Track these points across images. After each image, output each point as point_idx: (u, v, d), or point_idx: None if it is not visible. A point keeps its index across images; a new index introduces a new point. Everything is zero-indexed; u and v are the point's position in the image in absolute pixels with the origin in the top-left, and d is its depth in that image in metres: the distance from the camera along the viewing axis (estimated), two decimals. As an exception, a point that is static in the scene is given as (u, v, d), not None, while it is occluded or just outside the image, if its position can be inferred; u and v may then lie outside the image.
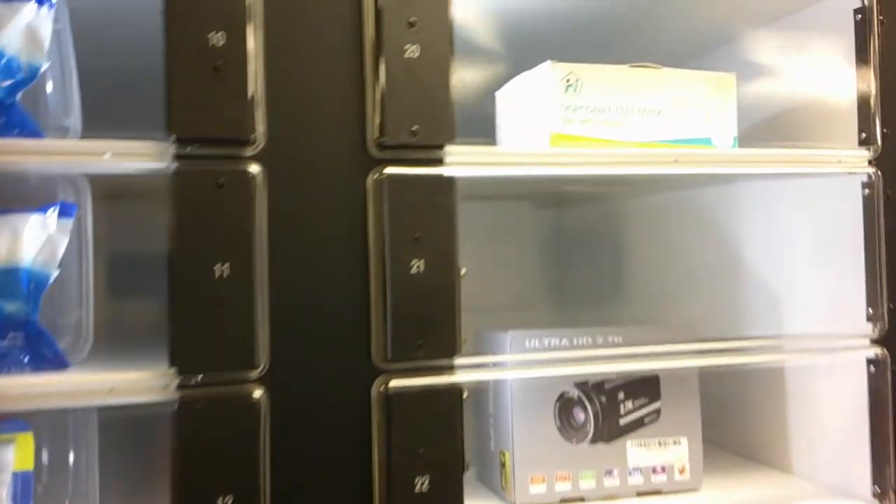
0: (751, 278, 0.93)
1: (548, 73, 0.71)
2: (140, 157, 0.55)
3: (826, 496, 0.80)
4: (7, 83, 0.57)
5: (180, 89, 0.54)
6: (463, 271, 0.64)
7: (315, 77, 0.60)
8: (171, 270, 0.54)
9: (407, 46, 0.59)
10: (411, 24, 0.59)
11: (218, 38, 0.55)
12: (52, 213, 0.61)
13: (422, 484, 0.59)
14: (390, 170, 0.60)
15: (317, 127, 0.60)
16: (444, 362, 0.62)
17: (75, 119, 0.62)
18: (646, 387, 0.83)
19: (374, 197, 0.60)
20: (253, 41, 0.57)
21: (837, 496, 0.79)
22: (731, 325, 0.96)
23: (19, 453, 0.63)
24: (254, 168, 0.57)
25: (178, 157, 0.56)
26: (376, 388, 0.60)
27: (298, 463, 0.59)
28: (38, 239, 0.59)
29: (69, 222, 0.61)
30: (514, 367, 0.66)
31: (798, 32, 0.83)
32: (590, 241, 1.31)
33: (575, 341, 0.80)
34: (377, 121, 0.60)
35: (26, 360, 0.59)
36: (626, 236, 1.19)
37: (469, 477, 0.83)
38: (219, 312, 0.55)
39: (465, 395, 0.63)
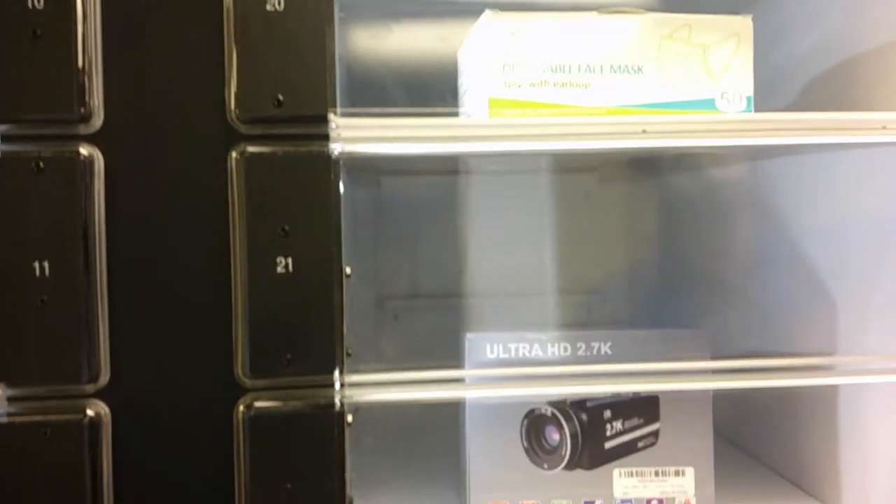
0: (805, 273, 0.75)
1: (488, 25, 0.58)
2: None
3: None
4: None
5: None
6: (348, 271, 0.53)
7: (166, 40, 0.51)
8: (-12, 269, 0.48)
9: (269, -3, 0.49)
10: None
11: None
12: None
13: (289, 521, 0.50)
14: (252, 148, 0.50)
15: (168, 100, 0.51)
16: (319, 379, 0.51)
17: None
18: (640, 405, 0.69)
19: (238, 181, 0.51)
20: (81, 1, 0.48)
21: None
22: (768, 332, 0.78)
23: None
24: (85, 150, 0.49)
25: (5, 138, 0.49)
26: (238, 409, 0.51)
27: (147, 495, 0.51)
28: None
29: None
30: (423, 385, 0.55)
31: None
32: (655, 217, 1.16)
33: (550, 349, 0.67)
34: (234, 90, 0.50)
35: None
36: (690, 212, 1.03)
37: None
38: (43, 317, 0.48)
39: (348, 420, 0.53)
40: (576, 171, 1.27)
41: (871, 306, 0.65)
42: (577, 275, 1.24)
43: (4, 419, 0.49)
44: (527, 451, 0.68)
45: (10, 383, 0.49)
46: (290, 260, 0.50)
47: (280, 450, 0.51)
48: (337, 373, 0.51)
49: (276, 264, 0.50)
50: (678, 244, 1.07)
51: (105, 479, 0.50)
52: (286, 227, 0.50)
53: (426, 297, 1.15)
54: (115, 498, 0.50)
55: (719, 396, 0.71)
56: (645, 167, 1.14)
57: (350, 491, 0.53)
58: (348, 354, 0.53)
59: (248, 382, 0.51)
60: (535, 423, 0.68)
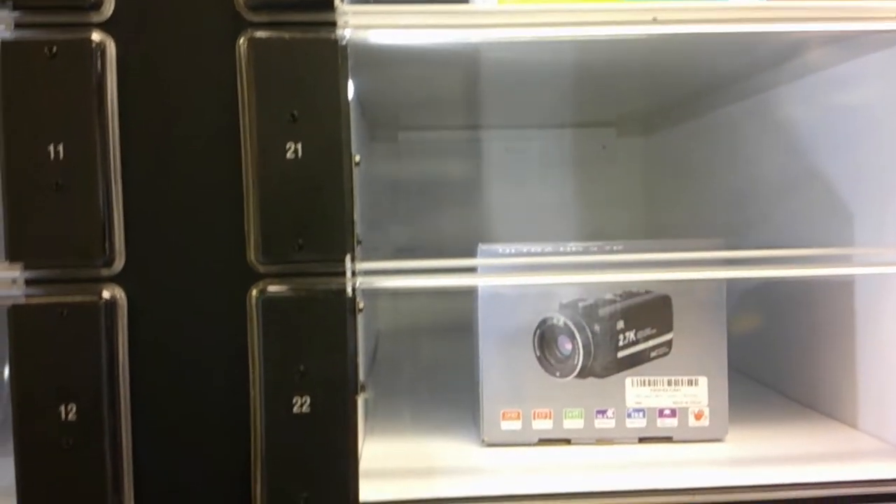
0: (823, 191, 0.74)
1: (497, -84, 0.58)
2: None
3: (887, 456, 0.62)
4: None
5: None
6: (357, 158, 0.53)
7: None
8: (4, 153, 0.49)
9: None
10: None
11: None
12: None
13: (301, 404, 0.51)
14: (260, 34, 0.51)
15: (177, -13, 0.51)
16: (330, 266, 0.52)
17: None
18: (653, 313, 0.69)
19: (246, 68, 0.51)
20: None
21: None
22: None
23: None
24: (96, 36, 0.50)
25: (17, 26, 0.49)
26: (251, 294, 0.52)
27: (161, 375, 0.52)
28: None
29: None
30: (440, 273, 0.55)
31: None
32: (673, 169, 1.15)
33: (562, 249, 0.67)
34: (241, -24, 0.50)
35: None
36: (709, 157, 1.02)
37: (465, 414, 0.74)
38: (58, 200, 0.49)
39: (360, 306, 0.54)
40: (594, 125, 1.27)
41: (887, 216, 0.64)
42: (597, 224, 1.25)
43: (22, 300, 0.50)
44: (539, 360, 0.68)
45: (27, 265, 0.50)
46: (299, 146, 0.50)
47: (292, 334, 0.51)
48: (348, 259, 0.52)
49: (285, 150, 0.50)
50: (697, 190, 1.07)
51: (120, 359, 0.51)
52: (295, 113, 0.50)
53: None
54: (131, 378, 0.51)
55: (735, 335, 0.70)
56: (663, 115, 1.13)
57: (363, 377, 0.54)
58: (359, 242, 0.54)
59: (260, 268, 0.52)
60: (547, 333, 0.68)
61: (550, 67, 0.72)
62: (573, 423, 0.68)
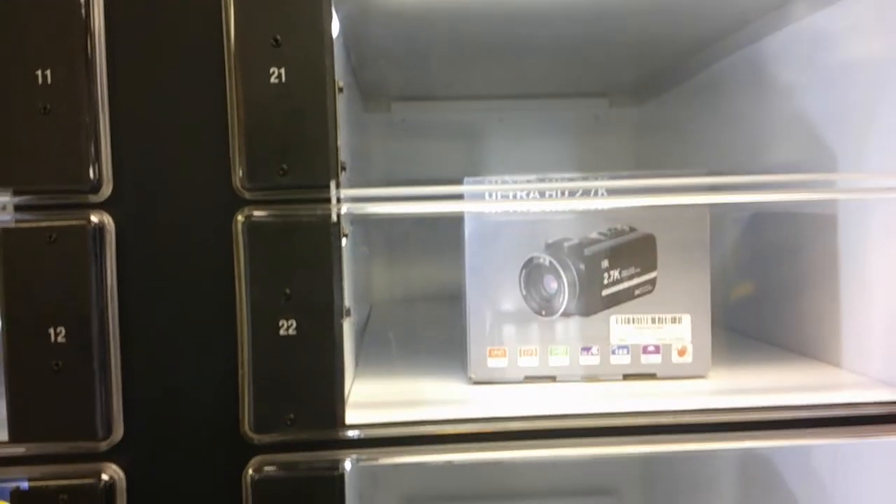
0: (807, 136, 0.75)
1: None
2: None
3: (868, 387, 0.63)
4: None
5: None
6: (340, 84, 0.54)
7: None
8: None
9: None
10: None
11: None
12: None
13: (288, 327, 0.52)
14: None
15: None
16: (315, 193, 0.53)
17: None
18: (638, 252, 0.69)
19: (230, -7, 0.52)
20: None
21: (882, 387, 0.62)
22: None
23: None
24: None
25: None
26: (237, 220, 0.53)
27: (148, 300, 0.53)
28: None
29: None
30: (425, 200, 0.55)
31: None
32: (665, 137, 1.16)
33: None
34: None
35: None
36: (698, 120, 1.03)
37: (454, 361, 0.74)
38: (46, 124, 0.50)
39: (345, 232, 0.54)
40: (587, 96, 1.28)
41: (867, 152, 0.65)
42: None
43: (11, 224, 0.50)
44: (525, 299, 0.69)
45: (17, 191, 0.51)
46: (282, 70, 0.51)
47: (278, 259, 0.52)
48: (333, 185, 0.53)
49: (269, 75, 0.51)
50: (689, 155, 1.08)
51: (109, 283, 0.52)
52: (278, 38, 0.51)
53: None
54: (119, 302, 0.52)
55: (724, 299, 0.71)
56: (654, 83, 1.14)
57: (348, 302, 0.55)
58: (343, 168, 0.54)
59: (246, 194, 0.53)
60: (533, 272, 0.69)
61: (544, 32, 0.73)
62: (559, 361, 0.69)
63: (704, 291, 0.69)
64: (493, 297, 0.68)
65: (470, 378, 0.68)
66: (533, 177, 0.65)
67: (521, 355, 0.69)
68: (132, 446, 0.52)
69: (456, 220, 0.66)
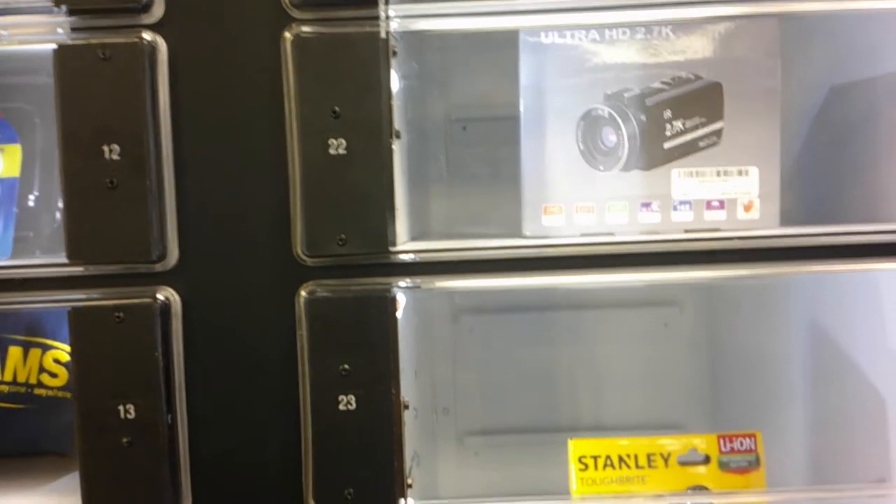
0: None
1: None
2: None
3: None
4: None
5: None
6: None
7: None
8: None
9: None
10: None
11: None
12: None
13: (337, 146, 0.51)
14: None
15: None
16: (362, 11, 0.51)
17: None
18: (703, 101, 0.66)
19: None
20: None
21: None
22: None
23: (7, 161, 0.64)
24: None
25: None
26: (285, 36, 0.52)
27: (202, 123, 0.53)
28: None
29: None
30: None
31: None
32: None
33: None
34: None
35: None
36: None
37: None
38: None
39: (395, 50, 0.53)
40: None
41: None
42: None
43: (67, 41, 0.51)
44: (583, 153, 0.67)
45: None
46: None
47: (326, 76, 0.51)
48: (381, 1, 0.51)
49: None
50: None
51: (162, 103, 0.52)
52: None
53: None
54: (173, 124, 0.52)
55: None
56: None
57: (397, 123, 0.53)
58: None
59: (295, 12, 0.52)
60: (591, 125, 0.66)
61: None
62: (617, 218, 0.66)
63: (774, 143, 0.65)
64: (548, 151, 0.66)
65: (525, 235, 0.67)
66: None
67: (577, 212, 0.67)
68: (187, 269, 0.52)
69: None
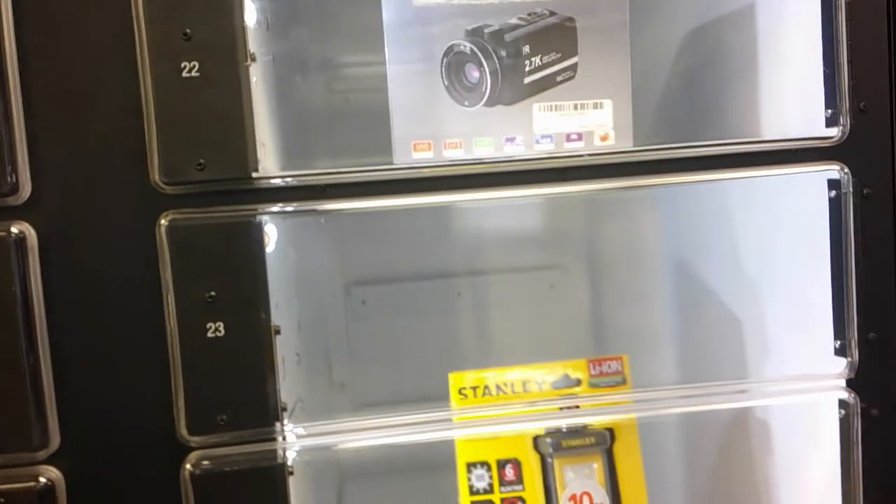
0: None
1: None
2: None
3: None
4: None
5: None
6: None
7: None
8: None
9: None
10: None
11: None
12: None
13: (190, 69, 0.51)
14: None
15: None
16: None
17: None
18: (558, 37, 0.69)
19: None
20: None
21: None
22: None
23: None
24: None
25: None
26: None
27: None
28: None
29: None
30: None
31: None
32: None
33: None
34: None
35: None
36: None
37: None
38: None
39: None
40: None
41: None
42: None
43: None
44: (447, 89, 0.68)
45: None
46: None
47: None
48: None
49: None
50: None
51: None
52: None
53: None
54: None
55: None
56: None
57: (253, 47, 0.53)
58: None
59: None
60: (454, 61, 0.68)
61: None
62: (483, 151, 0.69)
63: (626, 76, 0.69)
64: (414, 88, 0.68)
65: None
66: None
67: (445, 148, 0.69)
68: (41, 202, 0.51)
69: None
